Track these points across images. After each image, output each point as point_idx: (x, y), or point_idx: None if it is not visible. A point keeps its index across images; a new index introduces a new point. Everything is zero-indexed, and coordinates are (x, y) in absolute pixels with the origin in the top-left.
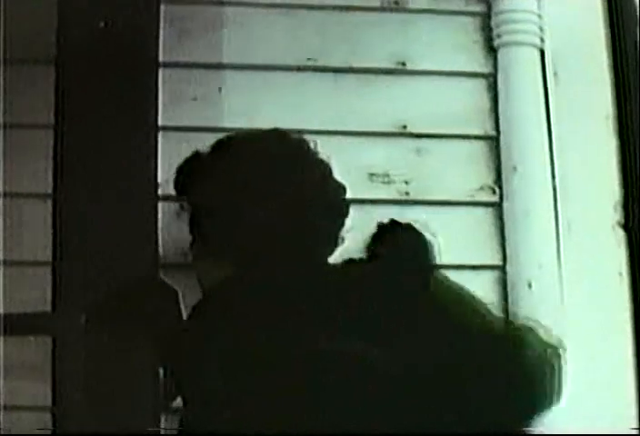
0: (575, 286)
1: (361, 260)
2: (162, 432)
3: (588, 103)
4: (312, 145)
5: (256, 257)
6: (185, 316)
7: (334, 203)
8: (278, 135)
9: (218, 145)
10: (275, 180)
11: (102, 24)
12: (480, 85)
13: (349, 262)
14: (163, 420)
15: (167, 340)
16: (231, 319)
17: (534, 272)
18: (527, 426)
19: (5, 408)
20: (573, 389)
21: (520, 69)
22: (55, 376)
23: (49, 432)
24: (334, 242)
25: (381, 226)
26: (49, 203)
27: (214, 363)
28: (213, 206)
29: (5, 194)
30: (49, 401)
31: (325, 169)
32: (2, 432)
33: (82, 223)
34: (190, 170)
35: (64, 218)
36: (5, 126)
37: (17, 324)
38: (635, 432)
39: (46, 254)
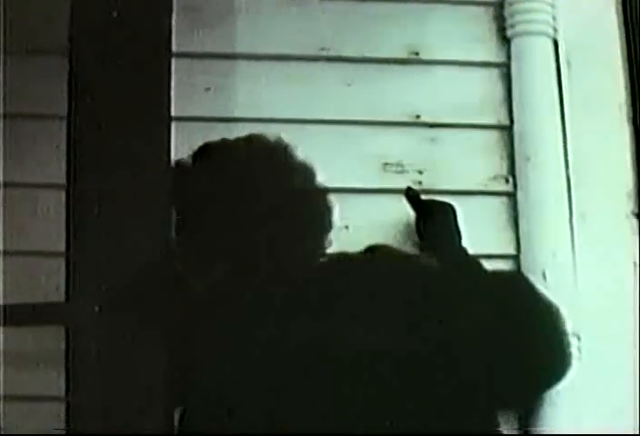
0: (589, 275)
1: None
2: None
3: (602, 92)
4: (290, 149)
5: (248, 259)
6: None
7: (317, 206)
8: (258, 141)
9: (200, 153)
10: (258, 184)
11: (114, 14)
12: (493, 75)
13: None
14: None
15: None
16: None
17: (548, 262)
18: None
19: (19, 398)
20: (585, 376)
21: (533, 59)
22: (69, 366)
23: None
24: (322, 241)
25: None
26: (63, 193)
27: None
28: (201, 211)
29: (18, 185)
30: (62, 391)
31: (307, 172)
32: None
33: (95, 214)
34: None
35: (77, 208)
36: (18, 117)
37: (31, 314)
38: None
39: (60, 245)
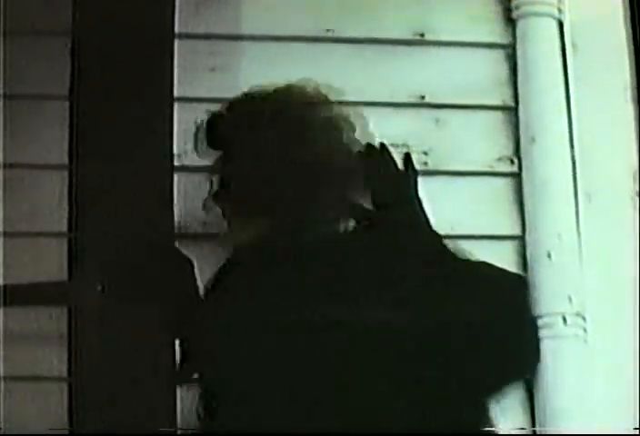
0: (594, 256)
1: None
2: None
3: (607, 73)
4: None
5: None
6: (202, 285)
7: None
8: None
9: (237, 102)
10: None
11: None
12: (499, 56)
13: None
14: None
15: (183, 311)
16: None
17: (553, 243)
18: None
19: (21, 378)
20: (590, 356)
21: (539, 40)
22: (71, 346)
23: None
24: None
25: None
26: (65, 173)
27: (232, 336)
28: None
29: (20, 165)
30: (65, 372)
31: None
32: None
33: (98, 194)
34: (218, 127)
35: (79, 189)
36: (20, 97)
37: (34, 294)
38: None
39: (63, 225)
